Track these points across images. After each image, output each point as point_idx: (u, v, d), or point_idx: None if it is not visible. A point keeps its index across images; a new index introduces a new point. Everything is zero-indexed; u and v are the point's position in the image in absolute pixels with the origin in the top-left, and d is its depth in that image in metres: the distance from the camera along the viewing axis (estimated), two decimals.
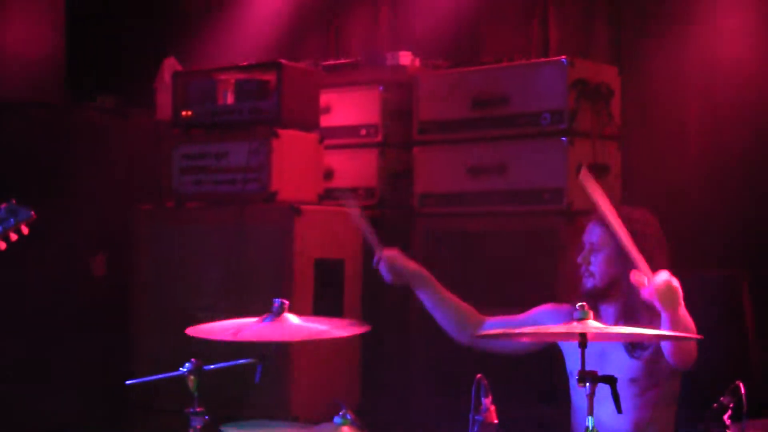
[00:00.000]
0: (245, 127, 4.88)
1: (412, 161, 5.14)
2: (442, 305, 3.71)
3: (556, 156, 4.66)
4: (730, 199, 4.83)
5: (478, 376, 2.91)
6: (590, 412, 2.58)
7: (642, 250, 3.20)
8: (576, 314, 2.73)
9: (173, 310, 4.92)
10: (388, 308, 5.22)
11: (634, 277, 3.12)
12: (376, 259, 3.71)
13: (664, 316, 3.09)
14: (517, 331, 2.91)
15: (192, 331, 3.42)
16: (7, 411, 4.94)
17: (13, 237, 3.20)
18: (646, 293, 3.09)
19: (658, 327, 3.16)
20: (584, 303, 2.73)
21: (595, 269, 3.48)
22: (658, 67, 5.06)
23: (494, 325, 3.65)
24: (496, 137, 4.84)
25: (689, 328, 3.17)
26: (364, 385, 5.09)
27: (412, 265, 3.74)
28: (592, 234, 3.53)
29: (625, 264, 3.41)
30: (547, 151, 4.69)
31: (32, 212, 3.22)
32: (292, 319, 3.46)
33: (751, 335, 4.35)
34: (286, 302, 3.44)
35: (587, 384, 2.62)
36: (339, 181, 5.39)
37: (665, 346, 3.25)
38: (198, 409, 3.37)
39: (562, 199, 4.63)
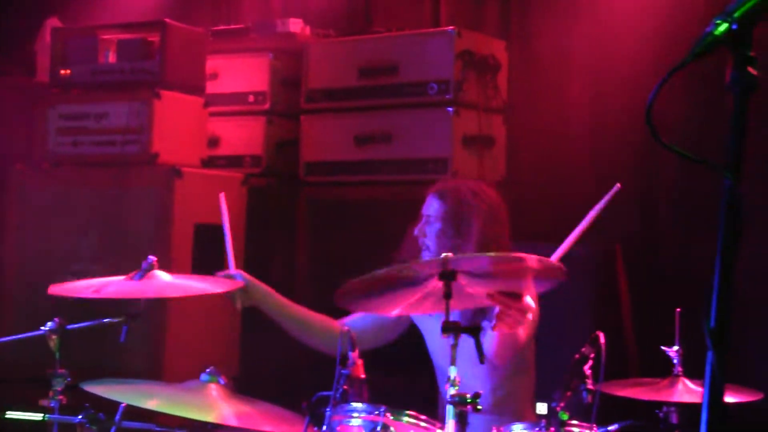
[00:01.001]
0: (127, 88, 4.75)
1: (299, 130, 5.08)
2: (299, 324, 3.60)
3: (441, 126, 4.66)
4: (610, 175, 4.86)
5: (345, 328, 2.87)
6: (453, 362, 2.55)
7: (461, 220, 3.21)
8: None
9: (46, 274, 4.75)
10: (271, 278, 5.15)
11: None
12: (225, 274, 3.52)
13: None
14: (376, 274, 2.78)
15: (54, 289, 3.31)
16: None
17: None
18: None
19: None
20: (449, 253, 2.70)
21: (430, 242, 3.42)
22: (545, 44, 5.08)
23: (355, 321, 3.58)
24: (383, 106, 4.81)
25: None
26: (243, 356, 5.02)
27: (263, 287, 3.59)
28: (429, 206, 3.47)
29: (459, 238, 3.37)
30: (433, 120, 4.68)
31: None
32: (163, 276, 3.37)
33: (625, 304, 4.41)
34: (155, 258, 3.35)
35: (450, 334, 2.59)
36: (225, 148, 5.30)
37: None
38: (60, 371, 3.27)
39: (447, 169, 4.63)
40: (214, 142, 5.27)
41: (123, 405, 3.22)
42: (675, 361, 3.22)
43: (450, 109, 4.62)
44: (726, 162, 1.35)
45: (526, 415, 3.42)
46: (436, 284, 2.70)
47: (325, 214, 4.98)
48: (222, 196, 3.53)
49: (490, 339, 3.05)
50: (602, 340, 2.64)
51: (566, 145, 5.01)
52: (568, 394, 2.72)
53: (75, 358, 3.75)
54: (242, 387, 4.57)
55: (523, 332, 3.15)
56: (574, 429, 2.77)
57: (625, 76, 4.83)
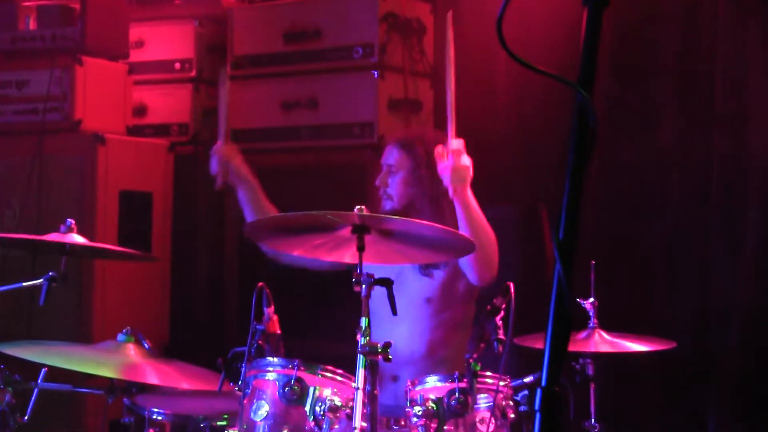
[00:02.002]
0: (48, 55, 4.68)
1: None
2: (259, 213, 3.66)
3: (366, 90, 4.66)
4: (537, 140, 4.90)
5: (260, 284, 2.88)
6: (364, 314, 2.57)
7: (422, 170, 3.25)
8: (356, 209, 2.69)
9: None
10: (200, 244, 5.15)
11: (438, 150, 3.18)
12: (214, 148, 3.73)
13: (456, 202, 3.14)
14: (287, 215, 2.81)
15: None
16: None
17: None
18: (441, 168, 3.16)
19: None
20: (363, 206, 2.71)
21: (393, 191, 3.49)
22: (471, 9, 5.09)
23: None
24: (308, 71, 4.80)
25: (482, 220, 3.22)
26: (174, 325, 5.01)
27: (244, 169, 3.72)
28: (390, 156, 3.54)
29: (422, 185, 3.45)
30: (358, 84, 4.68)
31: None
32: (76, 238, 3.35)
33: (550, 260, 4.47)
34: (73, 221, 3.33)
35: (363, 286, 2.61)
36: (152, 117, 5.26)
37: (467, 259, 3.27)
38: None
39: (373, 133, 4.63)
40: (141, 110, 5.23)
41: (45, 369, 3.22)
42: (590, 313, 3.28)
43: (375, 72, 4.62)
44: (578, 78, 1.38)
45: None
46: (349, 235, 2.71)
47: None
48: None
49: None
50: (512, 290, 2.66)
51: (493, 109, 5.04)
52: (482, 345, 2.75)
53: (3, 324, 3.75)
54: (172, 354, 4.56)
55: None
56: (487, 380, 2.80)
57: (549, 40, 4.85)
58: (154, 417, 3.20)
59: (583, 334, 3.26)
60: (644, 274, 4.45)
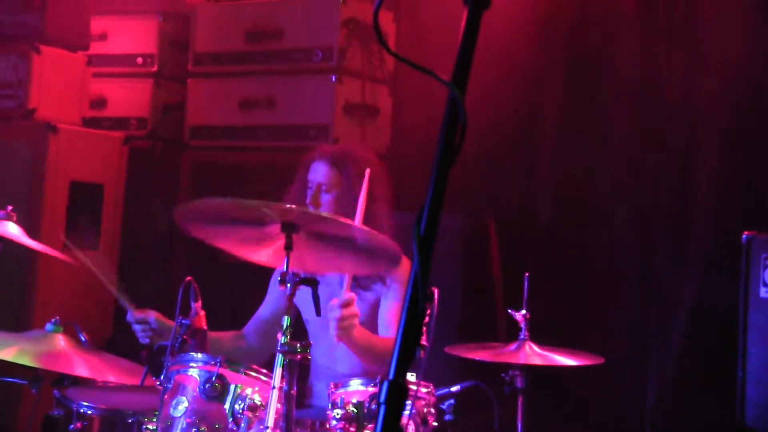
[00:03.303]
0: (5, 41, 4.66)
1: (185, 93, 5.05)
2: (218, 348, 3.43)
3: (324, 93, 4.66)
4: (496, 150, 4.91)
5: (188, 278, 2.87)
6: (288, 312, 2.56)
7: (355, 187, 3.21)
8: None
9: None
10: (151, 240, 5.13)
11: (332, 302, 2.97)
12: (129, 317, 3.35)
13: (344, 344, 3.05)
14: (217, 200, 2.71)
15: None
16: None
17: None
18: (329, 317, 2.97)
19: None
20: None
21: (327, 209, 3.38)
22: (434, 17, 5.10)
23: (251, 328, 3.59)
24: (268, 72, 4.81)
25: (373, 349, 3.14)
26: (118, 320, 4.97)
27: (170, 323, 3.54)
28: (318, 173, 3.43)
29: (353, 205, 3.35)
30: (316, 87, 4.69)
31: None
32: (11, 228, 3.33)
33: (495, 266, 4.48)
34: (11, 207, 3.32)
35: (288, 285, 2.60)
36: (112, 110, 5.25)
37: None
38: None
39: (329, 136, 4.64)
40: (101, 103, 5.22)
41: None
42: (522, 325, 3.28)
43: (333, 76, 4.63)
44: (452, 76, 1.39)
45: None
46: (277, 233, 2.68)
47: (208, 178, 4.96)
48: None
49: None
50: (436, 296, 2.67)
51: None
52: None
53: None
54: (115, 348, 4.54)
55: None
56: (411, 386, 2.80)
57: (511, 48, 4.88)
58: (83, 411, 3.19)
59: (513, 346, 3.27)
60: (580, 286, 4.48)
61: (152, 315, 3.30)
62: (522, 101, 4.84)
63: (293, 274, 2.62)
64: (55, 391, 3.33)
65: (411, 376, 3.08)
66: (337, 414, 2.71)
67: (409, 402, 2.75)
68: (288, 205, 2.65)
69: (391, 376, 1.31)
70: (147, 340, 3.32)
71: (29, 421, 4.24)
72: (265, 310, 3.59)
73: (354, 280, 3.25)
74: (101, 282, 3.37)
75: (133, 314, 3.32)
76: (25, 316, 4.42)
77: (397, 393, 1.30)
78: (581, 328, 4.29)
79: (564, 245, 4.53)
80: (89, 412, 3.20)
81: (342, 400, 2.75)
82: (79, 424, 3.21)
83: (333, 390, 2.80)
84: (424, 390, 2.80)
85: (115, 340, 4.85)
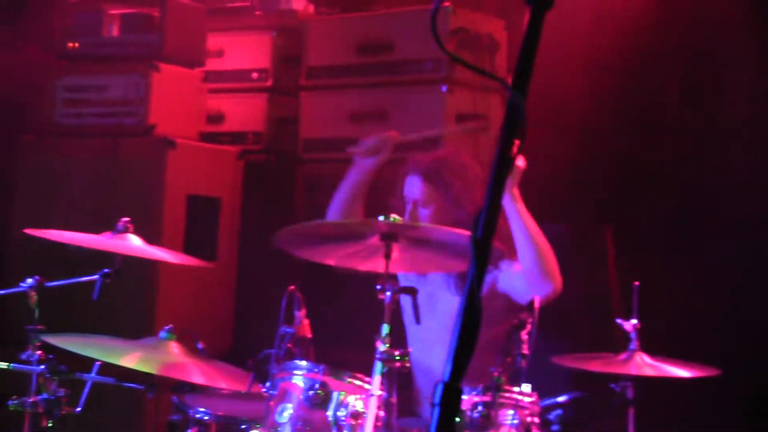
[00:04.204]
0: (127, 60, 4.85)
1: (299, 107, 5.13)
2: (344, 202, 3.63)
3: (435, 104, 4.68)
4: (608, 159, 4.85)
5: (291, 287, 2.92)
6: (387, 320, 2.58)
7: (453, 197, 3.20)
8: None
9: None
10: (268, 254, 5.21)
11: None
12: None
13: (507, 203, 3.05)
14: (316, 222, 2.82)
15: (31, 232, 3.41)
16: None
17: None
18: None
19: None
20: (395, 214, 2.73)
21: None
22: (549, 25, 5.05)
23: None
24: (379, 84, 4.85)
25: (536, 226, 3.13)
26: (240, 331, 5.08)
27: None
28: (413, 188, 3.43)
29: (453, 214, 3.34)
30: (427, 98, 4.71)
31: None
32: (133, 240, 3.44)
33: (612, 274, 4.40)
34: (128, 219, 3.43)
35: (387, 293, 2.62)
36: (229, 125, 5.37)
37: (527, 271, 3.19)
38: (39, 327, 3.35)
39: (440, 147, 4.64)
40: (218, 118, 5.35)
41: (98, 363, 3.32)
42: (632, 335, 3.22)
43: (444, 87, 4.64)
44: (513, 78, 1.38)
45: None
46: (377, 243, 2.72)
47: (322, 190, 5.00)
48: None
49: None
50: (536, 304, 2.64)
51: (564, 127, 5.00)
52: (508, 360, 2.73)
53: (68, 317, 3.86)
54: (236, 359, 4.64)
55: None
56: (515, 396, 2.78)
57: (625, 54, 4.80)
58: (199, 416, 3.28)
59: (623, 356, 3.21)
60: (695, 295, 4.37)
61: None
62: (639, 108, 4.76)
63: (393, 283, 2.64)
64: (174, 397, 3.44)
65: (526, 387, 3.08)
66: None
67: (512, 411, 2.73)
68: (380, 218, 2.67)
69: (445, 379, 1.30)
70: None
71: (151, 426, 4.40)
72: None
73: (460, 277, 3.26)
74: None
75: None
76: (147, 326, 4.56)
77: (452, 395, 1.29)
78: (696, 338, 4.17)
79: (680, 253, 4.43)
80: (205, 418, 3.30)
81: None
82: (195, 429, 3.31)
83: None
84: (527, 399, 2.77)
85: (236, 351, 4.96)
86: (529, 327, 2.67)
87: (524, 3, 1.40)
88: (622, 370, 3.17)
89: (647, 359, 3.20)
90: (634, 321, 3.22)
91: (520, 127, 1.34)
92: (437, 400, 1.30)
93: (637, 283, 3.22)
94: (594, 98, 4.92)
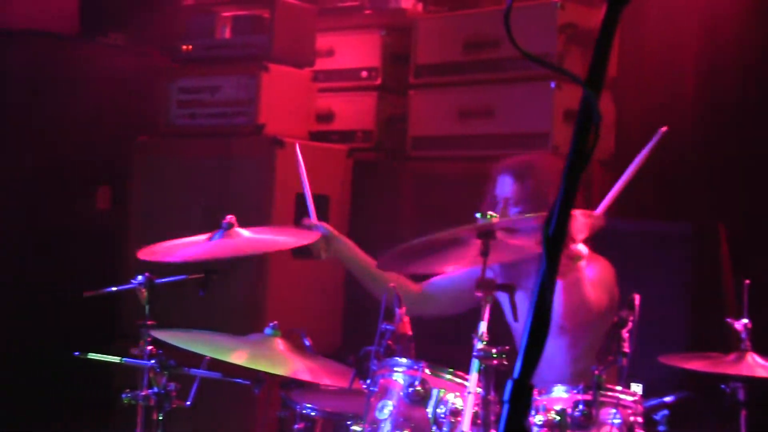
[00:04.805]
0: (238, 62, 4.94)
1: (407, 105, 5.15)
2: (375, 282, 3.61)
3: (542, 100, 4.63)
4: (723, 152, 4.72)
5: (391, 284, 2.93)
6: (483, 318, 2.57)
7: (543, 199, 3.16)
8: (480, 222, 2.71)
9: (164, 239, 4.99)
10: (375, 251, 5.24)
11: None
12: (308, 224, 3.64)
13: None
14: (413, 242, 2.86)
15: (143, 254, 3.49)
16: (12, 322, 5.09)
17: None
18: None
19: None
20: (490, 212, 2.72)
21: None
22: (657, 18, 4.95)
23: (435, 286, 3.62)
24: (486, 81, 4.82)
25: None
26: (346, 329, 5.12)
27: (344, 240, 3.71)
28: (504, 187, 3.42)
29: (548, 207, 3.32)
30: (535, 95, 4.66)
31: None
32: (242, 233, 3.50)
33: (726, 273, 4.28)
34: (232, 217, 3.49)
35: (483, 292, 2.61)
36: (338, 124, 5.42)
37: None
38: (150, 322, 3.44)
39: (548, 144, 4.59)
40: (328, 117, 5.40)
41: (207, 358, 3.40)
42: (742, 335, 3.12)
43: (552, 83, 4.59)
44: (587, 74, 1.35)
45: None
46: (477, 242, 2.72)
47: (430, 188, 5.03)
48: (296, 145, 3.69)
49: (557, 299, 3.03)
50: (637, 302, 2.59)
51: (677, 122, 4.87)
52: (609, 358, 2.69)
53: (179, 312, 3.96)
54: (344, 356, 4.68)
55: (592, 295, 3.12)
56: (617, 394, 2.73)
57: (744, 42, 4.66)
58: (305, 412, 3.33)
59: (733, 356, 3.12)
60: None
61: (323, 225, 3.59)
62: (752, 103, 4.62)
63: (490, 280, 2.63)
64: (281, 393, 3.50)
65: (636, 387, 3.03)
66: (539, 420, 2.68)
67: (614, 410, 2.69)
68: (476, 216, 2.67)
69: (515, 376, 1.29)
70: (322, 255, 3.57)
71: (260, 421, 4.47)
72: (461, 275, 3.52)
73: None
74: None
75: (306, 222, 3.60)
76: (256, 323, 4.63)
77: (522, 392, 1.28)
78: None
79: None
80: (312, 413, 3.34)
81: (544, 406, 2.72)
82: (302, 425, 3.36)
83: (535, 396, 2.77)
84: (630, 398, 2.72)
85: (344, 349, 5.00)
86: (630, 325, 2.62)
87: None
88: (733, 371, 3.08)
89: (759, 360, 3.10)
90: (745, 320, 3.13)
91: (593, 125, 1.32)
92: (506, 396, 1.28)
93: (748, 281, 3.12)
94: (707, 96, 4.80)
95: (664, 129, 3.11)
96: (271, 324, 3.29)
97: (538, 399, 2.77)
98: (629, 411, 2.71)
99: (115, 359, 3.40)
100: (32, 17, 5.40)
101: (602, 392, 2.65)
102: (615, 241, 3.38)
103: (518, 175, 3.36)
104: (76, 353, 3.51)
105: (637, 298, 2.60)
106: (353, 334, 5.11)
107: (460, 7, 5.16)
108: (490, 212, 2.71)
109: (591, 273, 3.20)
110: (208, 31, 5.13)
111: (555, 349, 3.32)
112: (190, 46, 5.16)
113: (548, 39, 4.59)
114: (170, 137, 5.20)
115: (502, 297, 3.32)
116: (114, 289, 3.69)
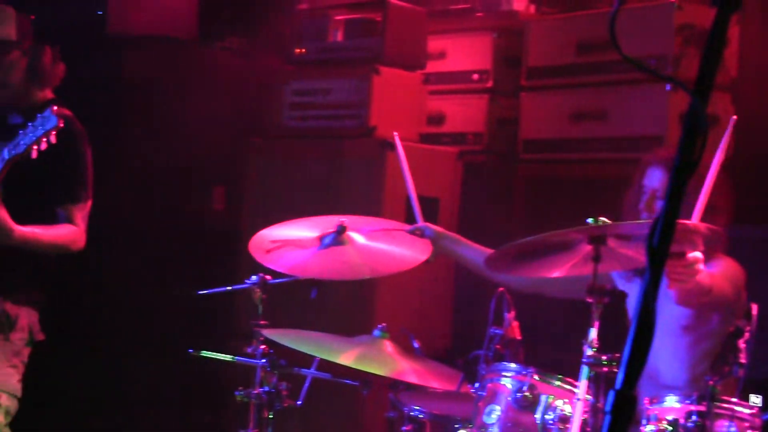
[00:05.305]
0: (349, 64, 4.99)
1: (518, 107, 5.12)
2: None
3: (657, 103, 4.54)
4: None
5: (500, 289, 2.92)
6: (593, 324, 2.54)
7: (690, 193, 3.09)
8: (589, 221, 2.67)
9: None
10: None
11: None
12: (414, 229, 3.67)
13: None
14: (521, 241, 2.85)
15: (253, 248, 3.55)
16: (128, 319, 5.24)
17: (44, 146, 3.24)
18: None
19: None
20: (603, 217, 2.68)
21: None
22: None
23: None
24: (599, 83, 4.76)
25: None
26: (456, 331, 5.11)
27: (450, 237, 3.71)
28: (653, 179, 3.39)
29: (688, 211, 3.27)
30: (649, 97, 4.58)
31: (60, 122, 3.21)
32: (356, 238, 3.51)
33: None
34: (344, 220, 3.51)
35: (593, 298, 2.58)
36: (449, 126, 5.42)
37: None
38: (262, 322, 3.50)
39: (662, 148, 4.50)
40: (439, 119, 5.41)
41: (317, 359, 3.45)
42: None
43: (668, 86, 4.50)
44: (695, 82, 1.32)
45: None
46: (587, 248, 2.69)
47: (541, 191, 4.99)
48: (396, 135, 3.68)
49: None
50: (754, 312, 2.53)
51: None
52: (726, 369, 2.63)
53: (288, 313, 4.01)
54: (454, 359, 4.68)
55: (715, 281, 3.03)
56: (734, 407, 2.66)
57: None
58: (414, 414, 3.35)
59: None
60: None
61: (428, 226, 3.61)
62: None
63: (601, 286, 2.60)
64: (390, 394, 3.52)
65: (756, 399, 2.95)
66: (650, 430, 2.64)
67: (728, 422, 2.63)
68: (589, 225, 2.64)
69: (618, 386, 1.26)
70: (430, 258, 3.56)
71: (370, 422, 4.51)
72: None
73: None
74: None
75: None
76: (366, 324, 4.66)
77: (625, 403, 1.25)
78: None
79: None
80: (420, 416, 3.36)
81: (656, 416, 2.67)
82: (410, 427, 3.37)
83: (647, 405, 2.73)
84: (746, 411, 2.65)
85: (453, 352, 5.00)
86: (746, 335, 2.55)
87: (710, 4, 1.34)
88: None
89: None
90: None
91: (701, 133, 1.29)
92: (608, 407, 1.27)
93: None
94: None
95: (734, 118, 3.03)
96: (379, 326, 3.32)
97: (650, 408, 2.72)
98: (746, 424, 2.65)
99: (228, 358, 3.48)
100: (152, 24, 5.54)
101: (717, 403, 2.59)
102: (729, 249, 3.30)
103: (670, 167, 3.30)
104: (190, 350, 3.60)
105: (754, 307, 2.53)
106: (462, 337, 5.10)
107: (574, 9, 5.10)
108: (602, 218, 2.67)
109: (715, 267, 3.13)
110: (321, 35, 5.19)
111: (674, 350, 3.27)
112: (304, 49, 5.23)
113: (665, 40, 4.51)
114: (282, 139, 5.27)
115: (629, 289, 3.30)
116: (228, 288, 3.78)
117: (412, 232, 3.60)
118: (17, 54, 3.72)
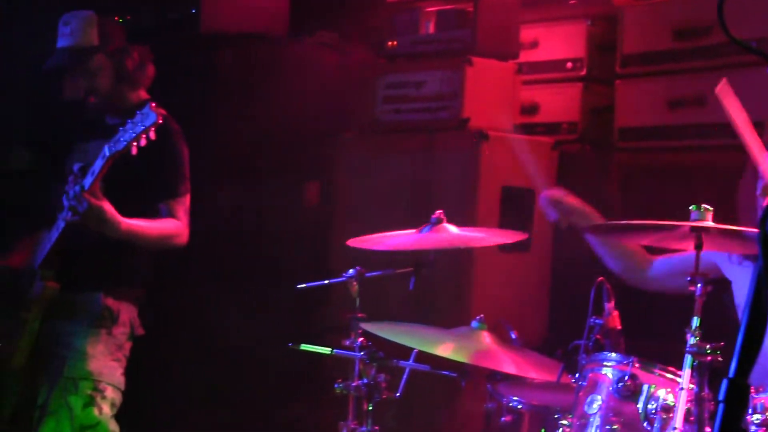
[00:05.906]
0: (442, 56, 4.98)
1: (613, 95, 5.04)
2: (609, 246, 3.59)
3: (760, 88, 4.41)
4: None
5: (600, 278, 2.88)
6: (697, 313, 2.49)
7: None
8: (694, 215, 2.63)
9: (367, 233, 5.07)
10: (582, 243, 5.16)
11: None
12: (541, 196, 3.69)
13: None
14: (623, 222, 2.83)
15: (353, 242, 3.57)
16: (216, 312, 5.32)
17: (143, 142, 3.29)
18: None
19: None
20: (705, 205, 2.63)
21: None
22: None
23: (663, 264, 3.54)
24: (696, 69, 4.66)
25: None
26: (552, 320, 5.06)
27: (578, 205, 3.64)
28: None
29: None
30: (751, 82, 4.45)
31: (159, 118, 3.25)
32: (450, 229, 3.52)
33: None
34: (441, 212, 3.51)
35: (697, 285, 2.53)
36: (543, 116, 5.37)
37: None
38: (359, 315, 3.52)
39: (763, 134, 4.39)
40: (533, 109, 5.36)
41: (415, 351, 3.45)
42: None
43: None
44: None
45: None
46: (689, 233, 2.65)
47: (637, 180, 4.92)
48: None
49: None
50: None
51: None
52: None
53: (385, 305, 4.03)
54: (550, 348, 4.65)
55: None
56: None
57: None
58: (512, 405, 3.34)
59: None
60: None
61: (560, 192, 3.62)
62: None
63: (704, 274, 2.55)
64: (488, 385, 3.51)
65: None
66: (756, 419, 2.58)
67: None
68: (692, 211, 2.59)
69: (731, 375, 1.23)
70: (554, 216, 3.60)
71: (468, 413, 4.50)
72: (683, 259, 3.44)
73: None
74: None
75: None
76: (462, 316, 4.66)
77: (738, 392, 1.22)
78: None
79: None
80: (519, 406, 3.34)
81: (762, 405, 2.61)
82: (509, 417, 3.37)
83: (753, 394, 2.67)
84: None
85: (550, 342, 4.96)
86: None
87: None
88: None
89: None
90: None
91: None
92: (722, 396, 1.24)
93: None
94: None
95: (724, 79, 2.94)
96: (477, 317, 3.31)
97: (756, 397, 2.66)
98: None
99: (326, 350, 3.50)
100: (244, 20, 5.60)
101: None
102: None
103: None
104: (290, 344, 3.63)
105: None
106: (559, 327, 5.05)
107: None
108: (704, 205, 2.62)
109: None
110: (413, 27, 5.18)
111: None
112: (395, 42, 5.23)
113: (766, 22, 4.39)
114: (375, 133, 5.29)
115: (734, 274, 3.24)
116: (326, 282, 3.80)
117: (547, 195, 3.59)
118: (101, 58, 3.76)
